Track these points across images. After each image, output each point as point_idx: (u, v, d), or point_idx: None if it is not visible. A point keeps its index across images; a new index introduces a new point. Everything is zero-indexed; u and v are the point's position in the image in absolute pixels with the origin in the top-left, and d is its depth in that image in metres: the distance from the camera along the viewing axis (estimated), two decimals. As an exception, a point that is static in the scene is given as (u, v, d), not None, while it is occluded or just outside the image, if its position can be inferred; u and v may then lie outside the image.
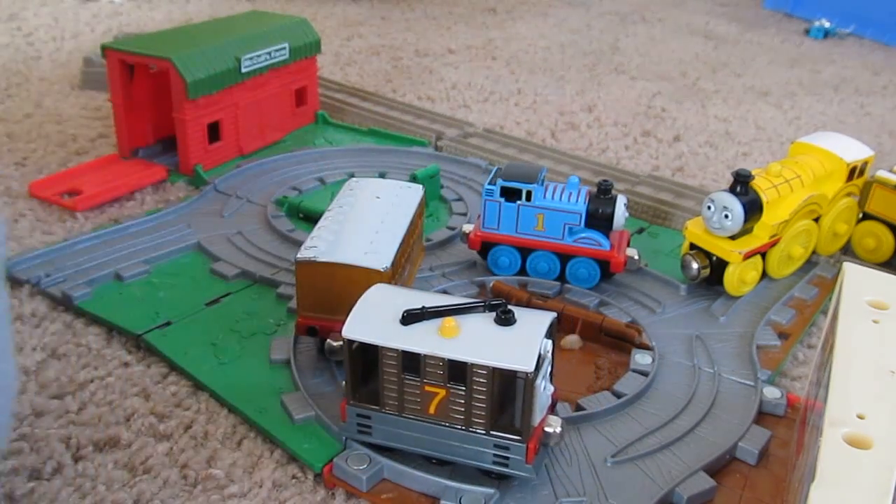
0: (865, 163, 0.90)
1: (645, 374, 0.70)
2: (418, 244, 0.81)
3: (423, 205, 0.80)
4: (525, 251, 0.83)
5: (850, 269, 0.57)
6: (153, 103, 1.07)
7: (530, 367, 0.52)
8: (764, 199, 0.80)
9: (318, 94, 1.23)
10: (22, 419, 0.64)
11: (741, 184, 0.79)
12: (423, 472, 0.58)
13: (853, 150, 0.89)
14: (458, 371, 0.54)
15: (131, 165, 1.05)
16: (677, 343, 0.75)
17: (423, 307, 0.56)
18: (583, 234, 0.81)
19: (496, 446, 0.56)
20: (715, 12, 2.16)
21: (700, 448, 0.62)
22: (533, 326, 0.55)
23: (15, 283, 0.81)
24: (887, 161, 1.19)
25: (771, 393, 0.68)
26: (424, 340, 0.54)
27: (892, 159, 1.21)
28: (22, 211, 0.95)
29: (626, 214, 0.81)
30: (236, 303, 0.79)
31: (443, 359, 0.54)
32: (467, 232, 0.85)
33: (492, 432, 0.56)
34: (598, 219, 0.81)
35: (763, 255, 0.82)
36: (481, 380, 0.54)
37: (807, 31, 1.96)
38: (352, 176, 1.03)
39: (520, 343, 0.54)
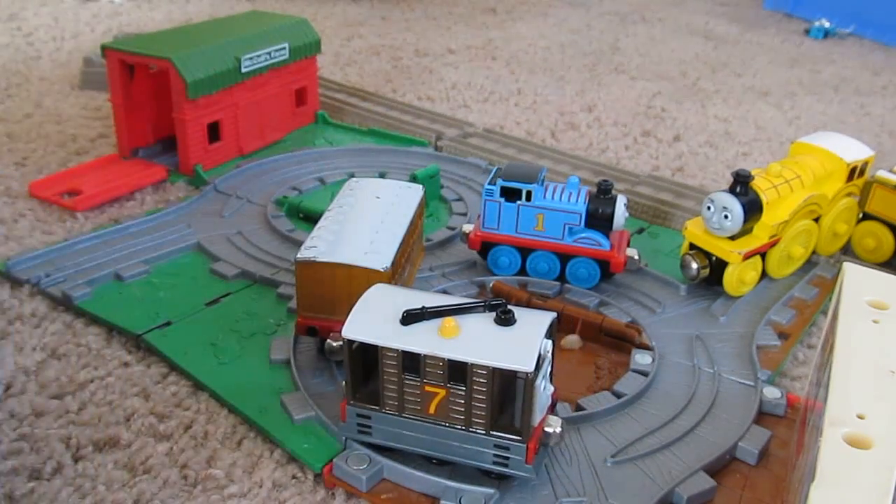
0: (865, 163, 0.90)
1: (645, 374, 0.70)
2: (418, 244, 0.81)
3: (423, 205, 0.80)
4: (525, 251, 0.83)
5: (850, 269, 0.57)
6: (153, 103, 1.07)
7: (530, 367, 0.52)
8: (764, 199, 0.80)
9: (318, 94, 1.23)
10: (22, 419, 0.64)
11: (741, 184, 0.79)
12: (423, 472, 0.58)
13: (853, 151, 0.89)
14: (458, 371, 0.54)
15: (131, 165, 1.05)
16: (677, 343, 0.75)
17: (423, 307, 0.56)
18: (583, 234, 0.81)
19: (496, 446, 0.56)
20: (715, 12, 2.16)
21: (700, 448, 0.62)
22: (533, 326, 0.55)
23: (15, 283, 0.81)
24: (887, 161, 1.19)
25: (771, 393, 0.68)
26: (424, 340, 0.54)
27: (892, 159, 1.21)
28: (22, 211, 0.95)
29: (626, 214, 0.81)
30: (236, 303, 0.79)
31: (443, 359, 0.54)
32: (467, 232, 0.85)
33: (492, 432, 0.56)
34: (598, 219, 0.81)
35: (763, 256, 0.82)
36: (481, 380, 0.54)
37: (807, 31, 1.96)
38: (352, 176, 1.03)
39: (520, 343, 0.54)
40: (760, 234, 0.81)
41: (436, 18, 1.94)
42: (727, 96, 1.49)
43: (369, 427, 0.59)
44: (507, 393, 0.57)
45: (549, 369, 0.57)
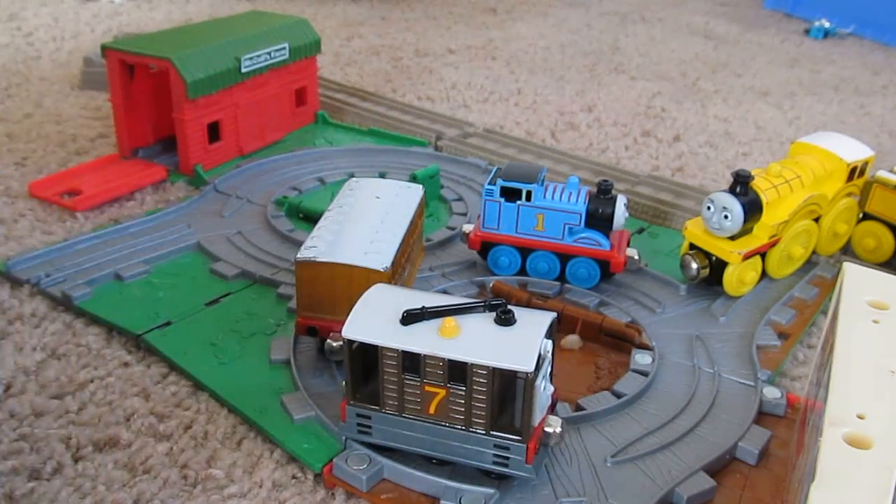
0: (866, 163, 0.90)
1: (645, 374, 0.70)
2: (418, 244, 0.81)
3: (423, 205, 0.80)
4: (525, 251, 0.83)
5: (850, 269, 0.57)
6: (153, 103, 1.07)
7: (530, 367, 0.52)
8: (764, 199, 0.80)
9: (318, 94, 1.23)
10: (22, 419, 0.64)
11: (741, 184, 0.79)
12: (423, 472, 0.58)
13: (853, 151, 0.89)
14: (458, 371, 0.54)
15: (131, 165, 1.05)
16: (677, 343, 0.75)
17: (423, 307, 0.56)
18: (583, 234, 0.81)
19: (496, 446, 0.56)
20: (715, 12, 2.16)
21: (700, 448, 0.62)
22: (533, 326, 0.55)
23: (15, 283, 0.81)
24: (887, 161, 1.19)
25: (771, 393, 0.68)
26: (424, 340, 0.54)
27: (892, 159, 1.21)
28: (22, 211, 0.95)
29: (626, 214, 0.81)
30: (236, 303, 0.79)
31: (443, 359, 0.54)
32: (467, 232, 0.85)
33: (492, 432, 0.56)
34: (598, 219, 0.81)
35: (763, 256, 0.82)
36: (481, 380, 0.54)
37: (807, 31, 1.96)
38: (352, 176, 1.03)
39: (520, 343, 0.54)
40: (760, 235, 0.81)
41: (436, 18, 1.94)
42: (727, 96, 1.49)
43: (369, 427, 0.59)
44: (507, 393, 0.57)
45: (549, 369, 0.57)
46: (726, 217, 0.78)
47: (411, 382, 0.56)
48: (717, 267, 0.81)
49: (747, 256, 0.80)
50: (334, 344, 0.65)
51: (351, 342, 0.56)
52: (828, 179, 0.88)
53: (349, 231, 0.70)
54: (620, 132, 1.29)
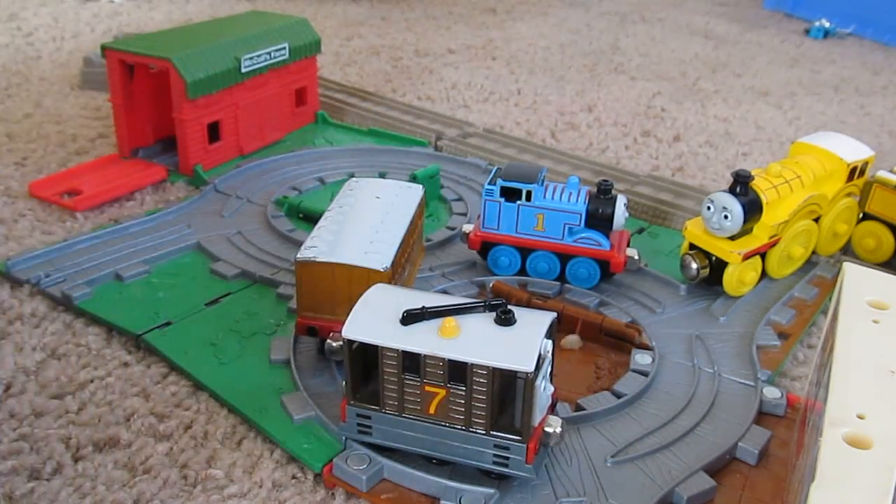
0: (866, 163, 0.90)
1: (645, 374, 0.70)
2: (418, 244, 0.81)
3: (423, 205, 0.80)
4: (525, 251, 0.83)
5: (850, 269, 0.57)
6: (153, 103, 1.07)
7: (530, 367, 0.52)
8: (764, 199, 0.80)
9: (318, 94, 1.23)
10: (22, 419, 0.64)
11: (741, 184, 0.79)
12: (423, 472, 0.58)
13: (853, 151, 0.89)
14: (458, 371, 0.54)
15: (131, 165, 1.05)
16: (677, 343, 0.75)
17: (423, 307, 0.56)
18: (583, 234, 0.81)
19: (496, 446, 0.56)
20: (715, 12, 2.16)
21: (700, 448, 0.62)
22: (533, 326, 0.55)
23: (15, 283, 0.81)
24: (887, 161, 1.19)
25: (771, 393, 0.68)
26: (424, 340, 0.54)
27: (892, 159, 1.21)
28: (22, 211, 0.95)
29: (626, 214, 0.81)
30: (236, 303, 0.79)
31: (443, 359, 0.54)
32: (467, 232, 0.85)
33: (492, 432, 0.56)
34: (598, 219, 0.81)
35: (762, 256, 0.82)
36: (481, 380, 0.54)
37: (807, 31, 1.96)
38: (352, 176, 1.03)
39: (520, 343, 0.54)
40: (760, 235, 0.81)
41: (436, 18, 1.94)
42: (727, 96, 1.49)
43: (369, 427, 0.59)
44: (507, 393, 0.57)
45: (549, 369, 0.57)
46: (726, 217, 0.78)
47: (411, 382, 0.56)
48: (717, 267, 0.81)
49: (747, 256, 0.80)
50: (334, 344, 0.64)
51: (351, 342, 0.56)
52: (828, 179, 0.88)
53: (349, 231, 0.70)
54: (620, 132, 1.29)
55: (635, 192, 1.02)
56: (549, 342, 0.57)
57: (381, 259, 0.66)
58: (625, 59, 1.70)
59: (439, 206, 1.00)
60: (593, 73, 1.59)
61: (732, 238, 0.80)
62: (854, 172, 0.89)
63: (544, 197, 0.81)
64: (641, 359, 0.71)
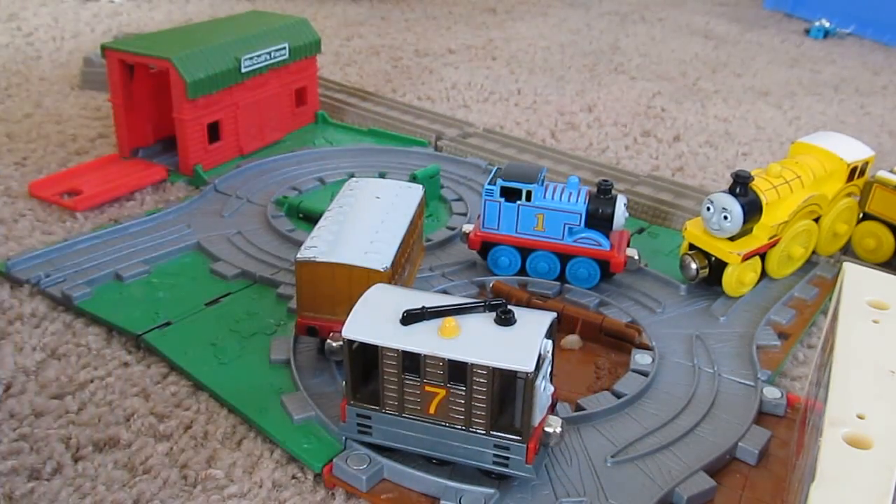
0: (866, 163, 0.90)
1: (645, 374, 0.70)
2: (418, 244, 0.81)
3: (423, 205, 0.80)
4: (525, 251, 0.83)
5: (850, 269, 0.57)
6: (153, 103, 1.07)
7: (530, 368, 0.52)
8: (763, 200, 0.80)
9: (318, 94, 1.23)
10: (22, 419, 0.64)
11: (740, 185, 0.78)
12: (423, 472, 0.58)
13: (853, 151, 0.89)
14: (458, 371, 0.54)
15: (131, 165, 1.05)
16: (677, 343, 0.75)
17: (423, 307, 0.56)
18: (583, 234, 0.81)
19: (496, 446, 0.56)
20: (715, 12, 2.16)
21: (700, 448, 0.62)
22: (533, 326, 0.55)
23: (15, 283, 0.81)
24: (887, 161, 1.19)
25: (771, 393, 0.68)
26: (424, 340, 0.54)
27: (893, 159, 1.21)
28: (22, 211, 0.95)
29: (626, 214, 0.81)
30: (236, 303, 0.79)
31: (443, 359, 0.54)
32: (467, 232, 0.85)
33: (492, 432, 0.56)
34: (598, 219, 0.81)
35: (762, 256, 0.82)
36: (481, 380, 0.54)
37: (807, 31, 1.96)
38: (352, 176, 1.03)
39: (520, 343, 0.54)
40: (760, 235, 0.81)
41: (436, 18, 1.94)
42: (727, 96, 1.49)
43: (369, 427, 0.59)
44: (507, 393, 0.57)
45: (549, 369, 0.57)
46: (726, 218, 0.78)
47: (411, 382, 0.56)
48: (717, 267, 0.81)
49: (747, 257, 0.80)
50: (334, 344, 0.64)
51: (351, 342, 0.56)
52: (828, 179, 0.88)
53: (349, 231, 0.70)
54: (620, 132, 1.29)
55: (635, 192, 1.02)
56: (549, 342, 0.57)
57: (381, 259, 0.66)
58: (625, 59, 1.70)
59: (439, 206, 1.00)
60: (593, 73, 1.59)
61: (732, 238, 0.80)
62: (854, 172, 0.89)
63: (544, 197, 0.81)
64: (641, 359, 0.71)
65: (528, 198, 0.81)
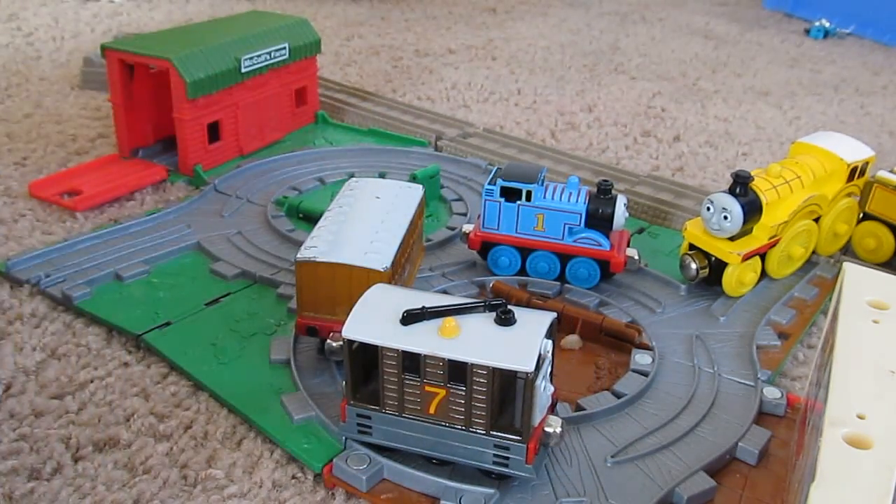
0: (866, 163, 0.90)
1: (645, 374, 0.70)
2: (418, 244, 0.81)
3: (423, 205, 0.80)
4: (525, 251, 0.83)
5: (851, 269, 0.57)
6: (153, 103, 1.07)
7: (530, 368, 0.52)
8: (763, 200, 0.80)
9: (318, 94, 1.23)
10: (22, 419, 0.64)
11: (740, 185, 0.78)
12: (423, 472, 0.58)
13: (854, 151, 0.89)
14: (458, 371, 0.54)
15: (131, 165, 1.05)
16: (677, 343, 0.75)
17: (423, 307, 0.56)
18: (583, 234, 0.81)
19: (496, 446, 0.56)
20: (715, 12, 2.16)
21: (700, 448, 0.62)
22: (533, 326, 0.55)
23: (15, 283, 0.81)
24: (887, 161, 1.19)
25: (771, 393, 0.68)
26: (424, 340, 0.54)
27: (893, 159, 1.21)
28: (22, 211, 0.95)
29: (626, 214, 0.81)
30: (236, 303, 0.79)
31: (443, 359, 0.54)
32: (467, 232, 0.85)
33: (492, 432, 0.56)
34: (598, 219, 0.81)
35: (762, 256, 0.82)
36: (481, 380, 0.54)
37: (807, 31, 1.96)
38: (352, 176, 1.03)
39: (520, 343, 0.54)
40: (760, 235, 0.81)
41: (436, 18, 1.94)
42: (727, 96, 1.49)
43: (369, 427, 0.59)
44: (507, 393, 0.57)
45: (549, 369, 0.57)
46: (726, 218, 0.78)
47: (411, 382, 0.56)
48: (717, 267, 0.81)
49: (747, 257, 0.80)
50: (334, 344, 0.64)
51: (351, 342, 0.56)
52: (828, 180, 0.88)
53: (349, 231, 0.70)
54: (620, 132, 1.29)
55: (635, 192, 1.02)
56: (549, 342, 0.57)
57: (381, 259, 0.66)
58: (625, 59, 1.70)
59: (439, 206, 1.00)
60: (593, 73, 1.59)
61: (732, 239, 0.80)
62: (854, 172, 0.89)
63: (544, 197, 0.81)
64: (641, 359, 0.71)
65: (528, 198, 0.81)
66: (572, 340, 0.75)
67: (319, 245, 0.68)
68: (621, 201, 0.80)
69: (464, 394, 0.55)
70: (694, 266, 0.81)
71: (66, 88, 1.34)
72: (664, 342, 0.74)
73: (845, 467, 0.41)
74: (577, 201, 0.81)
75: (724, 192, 0.79)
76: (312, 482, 0.59)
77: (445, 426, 0.56)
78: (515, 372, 0.53)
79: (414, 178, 0.95)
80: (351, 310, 0.57)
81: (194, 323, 0.75)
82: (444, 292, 0.78)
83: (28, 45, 1.56)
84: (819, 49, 1.85)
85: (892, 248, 0.89)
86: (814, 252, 0.89)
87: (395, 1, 2.06)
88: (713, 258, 0.81)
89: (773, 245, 0.82)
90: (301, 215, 0.95)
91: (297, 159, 1.10)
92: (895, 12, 1.89)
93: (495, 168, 0.85)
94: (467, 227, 0.85)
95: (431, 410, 0.56)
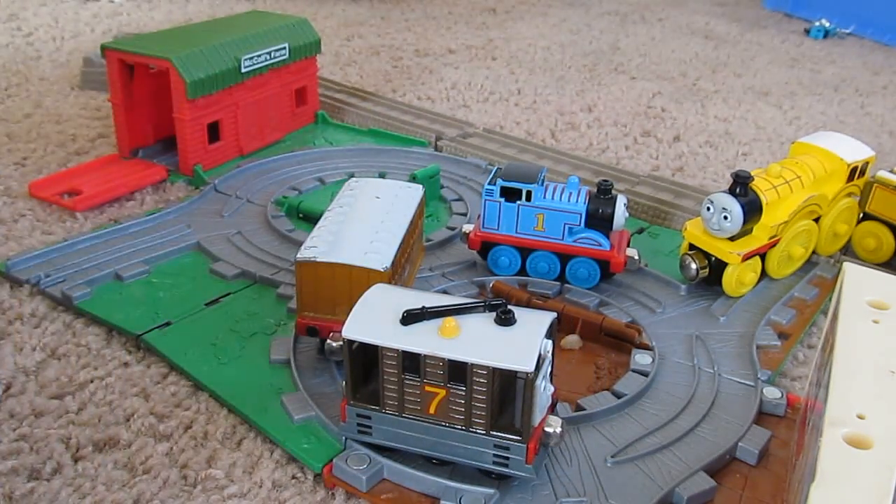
0: (866, 163, 0.90)
1: (645, 374, 0.70)
2: (418, 244, 0.81)
3: (423, 205, 0.80)
4: (525, 251, 0.83)
5: (851, 269, 0.57)
6: (153, 103, 1.07)
7: (530, 368, 0.52)
8: (763, 200, 0.80)
9: (318, 94, 1.23)
10: (22, 419, 0.64)
11: (740, 185, 0.78)
12: (423, 472, 0.58)
13: (854, 151, 0.89)
14: (458, 371, 0.54)
15: (131, 165, 1.05)
16: (677, 343, 0.75)
17: (423, 307, 0.56)
18: (583, 234, 0.81)
19: (496, 446, 0.56)
20: (715, 12, 2.16)
21: (700, 448, 0.62)
22: (533, 326, 0.55)
23: (15, 283, 0.81)
24: (887, 161, 1.19)
25: (771, 393, 0.68)
26: (424, 340, 0.54)
27: (893, 159, 1.21)
28: (22, 211, 0.95)
29: (626, 214, 0.81)
30: (236, 303, 0.79)
31: (443, 359, 0.54)
32: (467, 232, 0.85)
33: (492, 432, 0.56)
34: (598, 219, 0.81)
35: (762, 256, 0.82)
36: (481, 380, 0.54)
37: (807, 31, 1.96)
38: (352, 176, 1.03)
39: (520, 343, 0.54)
40: (760, 235, 0.81)
41: (436, 18, 1.94)
42: (727, 96, 1.49)
43: (369, 427, 0.59)
44: (507, 393, 0.57)
45: (549, 369, 0.57)
46: (726, 218, 0.78)
47: (411, 382, 0.56)
48: (717, 267, 0.81)
49: (747, 257, 0.80)
50: (334, 344, 0.64)
51: (351, 342, 0.56)
52: (828, 180, 0.88)
53: (349, 231, 0.70)
54: (620, 132, 1.29)
55: (635, 192, 1.02)
56: (549, 342, 0.57)
57: (381, 259, 0.66)
58: (625, 59, 1.70)
59: (439, 206, 1.00)
60: (593, 73, 1.59)
61: (732, 239, 0.80)
62: (854, 172, 0.89)
63: (544, 197, 0.81)
64: (641, 359, 0.71)
65: (528, 198, 0.81)
66: (572, 340, 0.75)
67: (319, 245, 0.68)
68: (621, 201, 0.80)
69: (464, 394, 0.55)
70: (694, 266, 0.81)
71: (66, 88, 1.34)
72: (664, 342, 0.74)
73: (845, 467, 0.41)
74: (577, 201, 0.81)
75: (724, 192, 0.79)
76: (312, 482, 0.59)
77: (445, 426, 0.56)
78: (515, 372, 0.53)
79: (414, 178, 0.95)
80: (351, 310, 0.57)
81: (194, 323, 0.75)
82: (444, 292, 0.78)
83: (28, 45, 1.56)
84: (819, 49, 1.85)
85: (892, 248, 0.89)
86: (814, 252, 0.89)
87: (395, 1, 2.06)
88: (713, 258, 0.81)
89: (773, 245, 0.82)
90: (301, 215, 0.95)
91: (297, 159, 1.10)
92: (895, 12, 1.89)
93: (495, 168, 0.85)
94: (467, 227, 0.85)
95: (431, 410, 0.56)
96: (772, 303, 0.81)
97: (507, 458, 0.56)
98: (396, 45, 1.70)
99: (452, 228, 0.92)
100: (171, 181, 1.03)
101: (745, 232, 0.80)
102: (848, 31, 1.95)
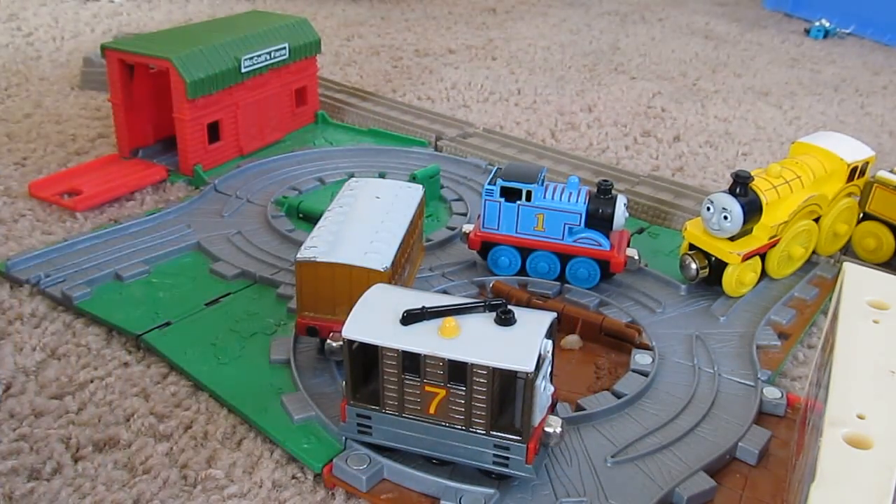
0: (866, 163, 0.90)
1: (645, 374, 0.70)
2: (418, 244, 0.81)
3: (423, 205, 0.80)
4: (525, 251, 0.83)
5: (851, 269, 0.57)
6: (153, 103, 1.07)
7: (530, 368, 0.52)
8: (763, 200, 0.80)
9: (318, 94, 1.23)
10: (22, 419, 0.64)
11: (740, 185, 0.78)
12: (423, 472, 0.58)
13: (854, 151, 0.89)
14: (458, 371, 0.54)
15: (131, 165, 1.05)
16: (677, 343, 0.75)
17: (423, 307, 0.56)
18: (583, 234, 0.81)
19: (496, 446, 0.56)
20: (715, 12, 2.16)
21: (700, 448, 0.62)
22: (533, 326, 0.55)
23: (15, 283, 0.81)
24: (887, 161, 1.19)
25: (771, 393, 0.68)
26: (424, 340, 0.54)
27: (893, 159, 1.21)
28: (22, 211, 0.95)
29: (626, 214, 0.81)
30: (236, 303, 0.79)
31: (443, 359, 0.54)
32: (467, 232, 0.85)
33: (492, 432, 0.56)
34: (598, 219, 0.81)
35: (762, 256, 0.82)
36: (481, 380, 0.54)
37: (807, 31, 1.96)
38: (352, 176, 1.03)
39: (520, 343, 0.54)
40: (760, 235, 0.81)
41: (436, 18, 1.94)
42: (727, 96, 1.49)
43: (369, 427, 0.59)
44: (507, 393, 0.57)
45: (549, 369, 0.57)
46: (726, 218, 0.78)
47: (411, 382, 0.56)
48: (717, 267, 0.81)
49: (747, 257, 0.80)
50: (334, 344, 0.64)
51: (351, 342, 0.56)
52: (828, 180, 0.88)
53: (349, 231, 0.70)
54: (620, 132, 1.29)
55: (635, 192, 1.02)
56: (549, 342, 0.57)
57: (381, 259, 0.66)
58: (625, 59, 1.70)
59: (439, 206, 1.00)
60: (593, 73, 1.59)
61: (732, 239, 0.80)
62: (854, 172, 0.89)
63: (544, 197, 0.81)
64: (641, 359, 0.71)
65: (528, 198, 0.81)
66: (572, 340, 0.75)
67: (319, 245, 0.68)
68: (621, 201, 0.80)
69: (464, 394, 0.55)
70: (694, 266, 0.81)
71: (66, 88, 1.34)
72: (664, 342, 0.74)
73: (845, 467, 0.41)
74: (577, 201, 0.81)
75: (724, 192, 0.79)
76: (312, 482, 0.59)
77: (445, 426, 0.56)
78: (515, 372, 0.53)
79: (414, 178, 0.95)
80: (351, 310, 0.57)
81: (194, 323, 0.75)
82: (444, 292, 0.78)
83: (28, 45, 1.56)
84: (819, 49, 1.85)
85: (892, 248, 0.89)
86: (814, 252, 0.89)
87: (395, 1, 2.06)
88: (713, 258, 0.81)
89: (773, 245, 0.82)
90: (301, 215, 0.95)
91: (297, 159, 1.10)
92: (895, 12, 1.89)
93: (495, 168, 0.85)
94: (467, 227, 0.85)
95: (431, 410, 0.56)
96: (772, 303, 0.81)
97: (507, 458, 0.56)
98: (396, 45, 1.70)
99: (452, 228, 0.92)
100: (171, 181, 1.03)
101: (745, 232, 0.80)
102: (848, 31, 1.95)
